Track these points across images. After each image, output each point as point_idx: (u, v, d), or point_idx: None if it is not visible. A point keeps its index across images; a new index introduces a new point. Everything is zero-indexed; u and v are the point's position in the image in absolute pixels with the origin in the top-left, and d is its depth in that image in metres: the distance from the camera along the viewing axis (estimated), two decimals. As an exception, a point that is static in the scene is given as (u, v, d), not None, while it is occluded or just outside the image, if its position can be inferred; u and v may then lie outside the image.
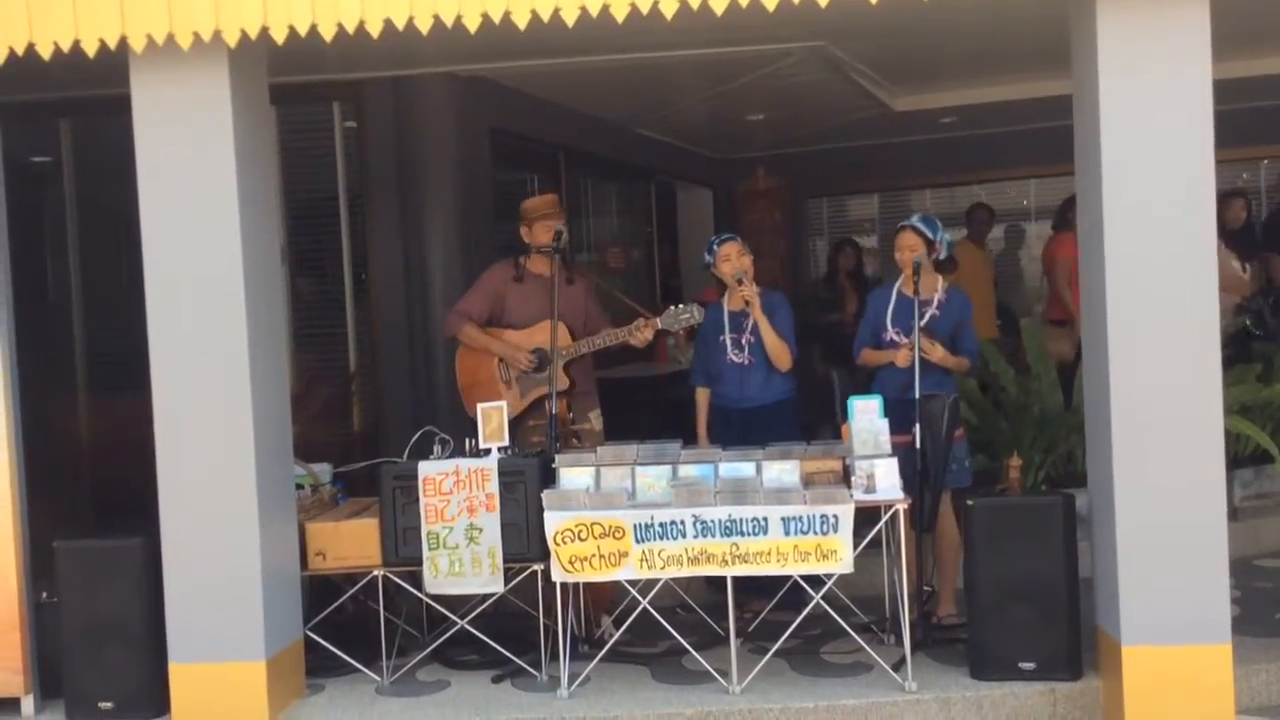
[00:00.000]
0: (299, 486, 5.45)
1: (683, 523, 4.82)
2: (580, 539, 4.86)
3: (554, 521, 4.87)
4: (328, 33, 4.50)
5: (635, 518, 4.85)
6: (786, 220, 11.38)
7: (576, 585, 5.27)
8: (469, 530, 5.05)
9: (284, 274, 6.41)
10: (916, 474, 5.20)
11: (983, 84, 9.01)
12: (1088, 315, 4.84)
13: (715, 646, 5.26)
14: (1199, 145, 4.48)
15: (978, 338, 5.84)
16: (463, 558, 5.05)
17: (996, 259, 11.15)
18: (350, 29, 4.49)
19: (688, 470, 5.06)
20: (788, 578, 5.06)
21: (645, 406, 8.42)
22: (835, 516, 4.76)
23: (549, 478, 5.10)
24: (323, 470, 5.81)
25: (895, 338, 5.52)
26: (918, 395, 5.26)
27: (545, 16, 4.44)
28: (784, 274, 10.71)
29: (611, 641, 5.24)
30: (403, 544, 5.10)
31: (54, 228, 7.61)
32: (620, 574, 4.88)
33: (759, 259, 5.90)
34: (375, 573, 5.15)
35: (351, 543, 5.18)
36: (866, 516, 4.95)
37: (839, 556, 4.76)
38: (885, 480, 4.90)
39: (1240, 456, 6.83)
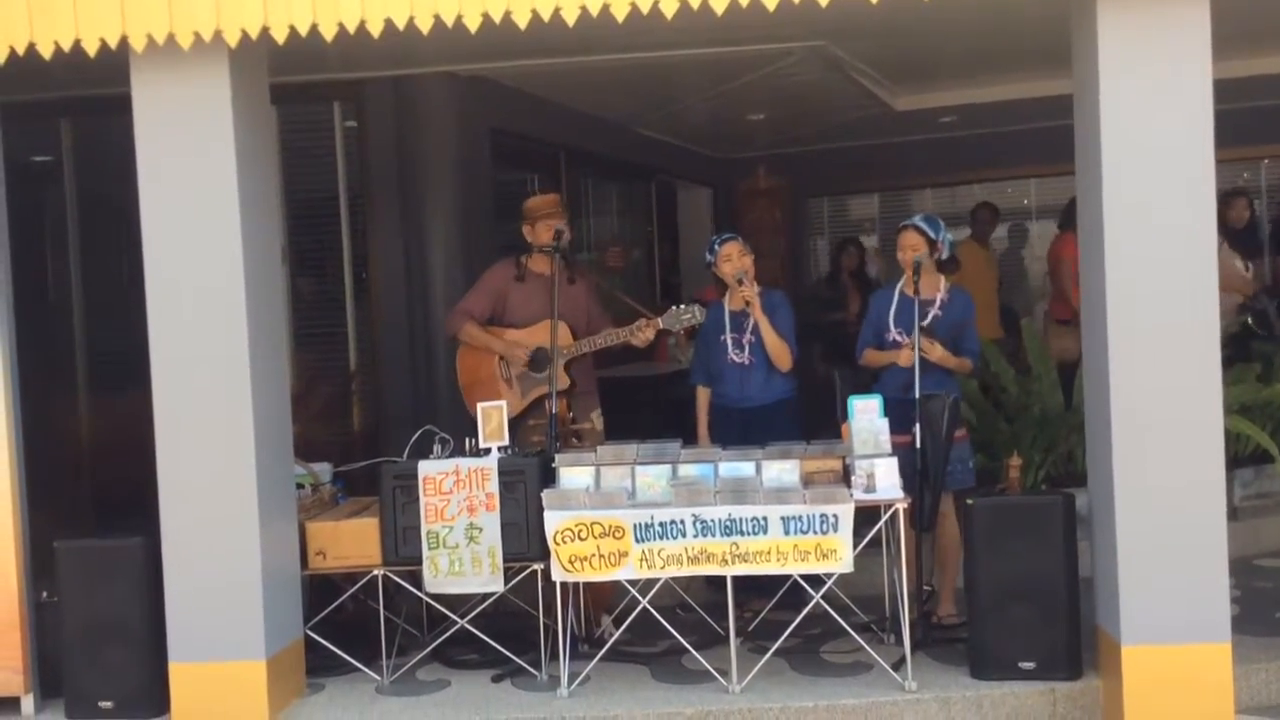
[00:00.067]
0: (299, 486, 5.46)
1: (683, 522, 4.82)
2: (580, 538, 4.86)
3: (554, 521, 4.88)
4: (328, 32, 4.51)
5: (635, 517, 4.85)
6: (787, 220, 11.38)
7: (576, 585, 5.27)
8: (469, 530, 5.05)
9: (284, 274, 6.42)
10: (916, 474, 5.20)
11: (983, 83, 9.01)
12: (1088, 315, 4.84)
13: (715, 646, 5.26)
14: (1199, 145, 4.48)
15: (982, 338, 5.83)
16: (463, 557, 5.05)
17: (1000, 259, 11.12)
18: (351, 29, 4.49)
19: (687, 470, 5.06)
20: (787, 577, 5.06)
21: (645, 406, 8.42)
22: (835, 516, 4.76)
23: (549, 477, 5.11)
24: (323, 470, 5.81)
25: (898, 338, 5.52)
26: (918, 395, 5.26)
27: (546, 16, 4.44)
28: (784, 273, 10.71)
29: (611, 641, 5.24)
30: (403, 543, 5.10)
31: (54, 227, 7.61)
32: (620, 574, 4.88)
33: (759, 258, 5.90)
34: (375, 572, 5.15)
35: (351, 542, 5.18)
36: (866, 516, 4.95)
37: (839, 556, 4.77)
38: (885, 480, 4.90)
39: (1240, 456, 6.83)
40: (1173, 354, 4.50)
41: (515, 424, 5.62)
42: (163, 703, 4.93)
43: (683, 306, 5.69)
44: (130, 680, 4.96)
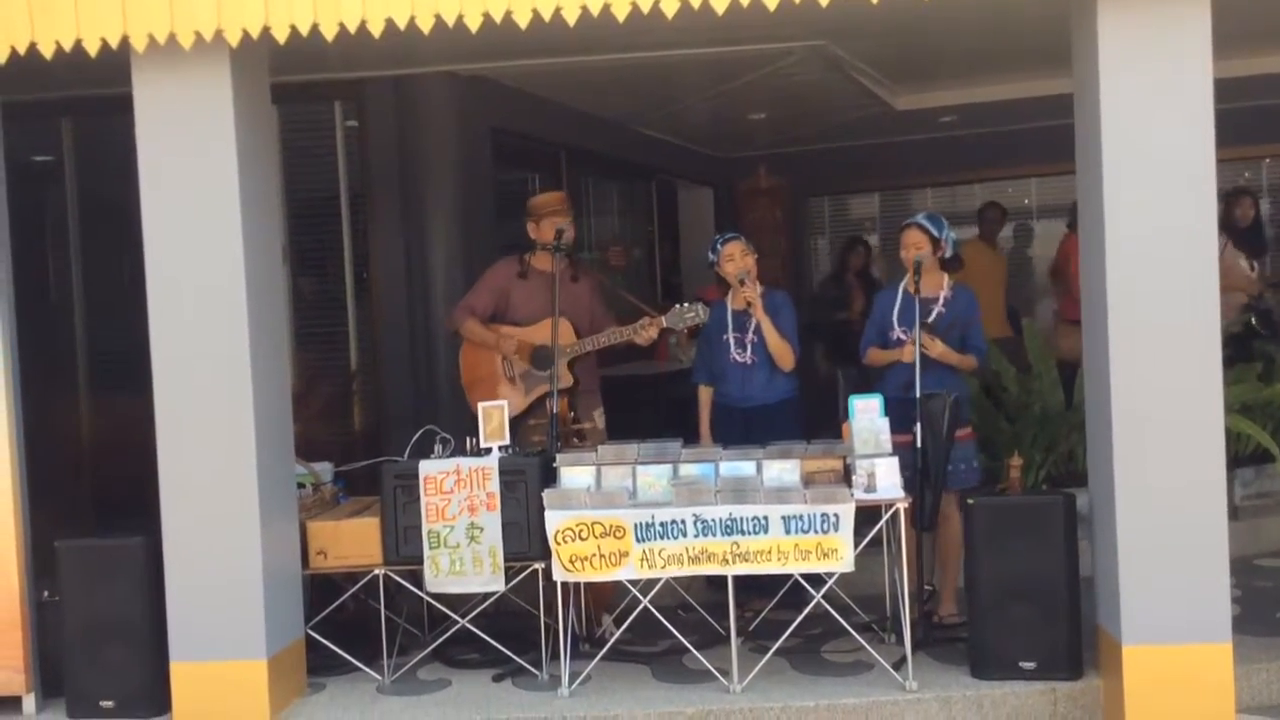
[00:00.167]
0: (300, 485, 5.46)
1: (683, 522, 4.82)
2: (581, 538, 4.86)
3: (555, 520, 4.88)
4: (329, 32, 4.51)
5: (636, 517, 4.85)
6: (787, 219, 11.36)
7: (577, 584, 5.28)
8: (470, 529, 5.05)
9: (285, 273, 6.42)
10: (917, 473, 5.20)
11: (984, 83, 9.01)
12: (1088, 314, 4.84)
13: (716, 645, 5.26)
14: (1200, 144, 4.48)
15: (990, 337, 5.82)
16: (463, 557, 5.05)
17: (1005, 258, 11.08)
18: (352, 28, 4.49)
19: (688, 469, 5.06)
20: (788, 577, 5.06)
21: (646, 405, 8.43)
22: (836, 515, 4.76)
23: (550, 477, 5.11)
24: (324, 469, 5.81)
25: (902, 336, 5.51)
26: (918, 394, 5.27)
27: (547, 16, 4.44)
28: (785, 273, 10.71)
29: (612, 640, 5.24)
30: (404, 543, 5.10)
31: (55, 227, 7.61)
32: (621, 573, 4.88)
33: (760, 258, 5.90)
34: (376, 571, 5.15)
35: (352, 542, 5.18)
36: (867, 515, 4.95)
37: (839, 555, 4.77)
38: (886, 479, 4.90)
39: (1241, 456, 6.83)
40: (1173, 353, 4.50)
41: (516, 423, 5.62)
42: (164, 702, 4.93)
43: (686, 305, 5.69)
44: (131, 679, 4.97)
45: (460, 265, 7.10)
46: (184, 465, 4.87)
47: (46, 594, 5.11)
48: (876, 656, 4.98)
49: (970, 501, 5.01)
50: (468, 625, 5.24)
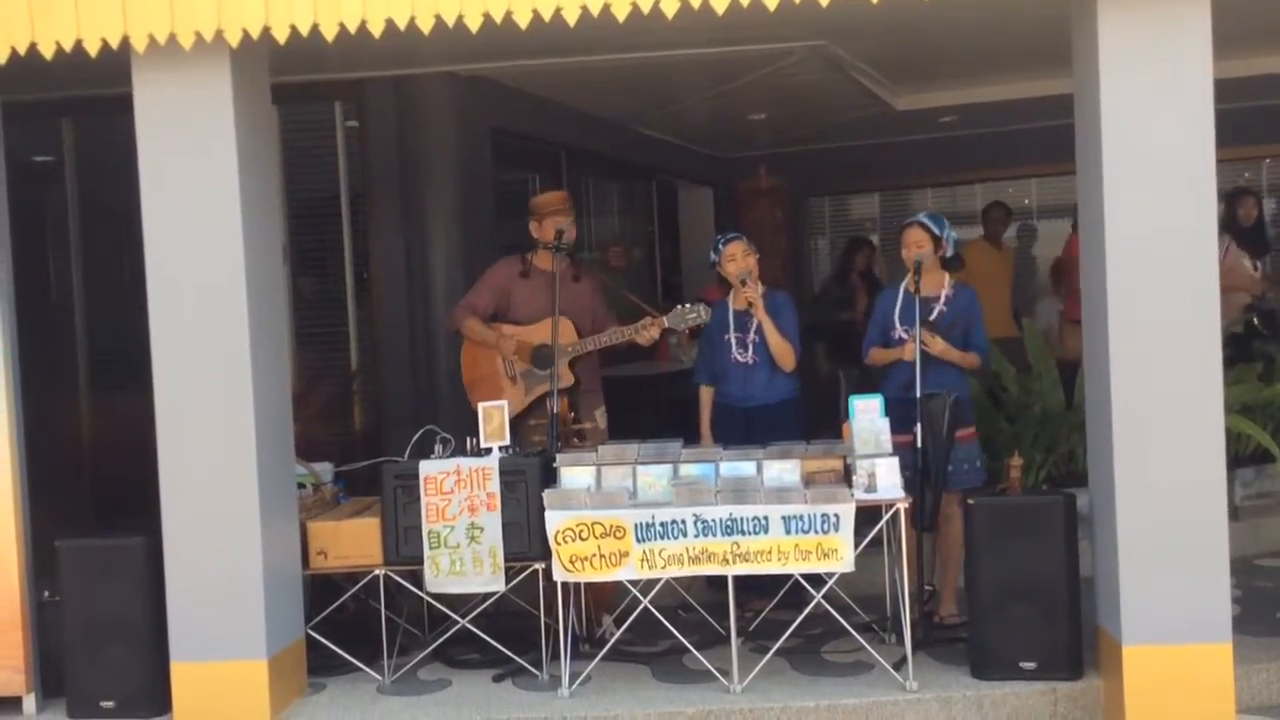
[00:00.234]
0: (300, 485, 5.46)
1: (684, 522, 4.82)
2: (581, 538, 4.86)
3: (555, 521, 4.88)
4: (329, 32, 4.51)
5: (636, 517, 4.85)
6: (788, 219, 11.37)
7: (578, 584, 5.28)
8: (470, 529, 5.05)
9: (285, 273, 6.42)
10: (917, 473, 5.20)
11: (984, 83, 9.01)
12: (1088, 315, 4.84)
13: (716, 645, 5.26)
14: (1200, 144, 4.48)
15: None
16: (464, 557, 5.05)
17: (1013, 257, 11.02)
18: (352, 29, 4.49)
19: (688, 469, 5.06)
20: (788, 577, 5.06)
21: (646, 405, 8.42)
22: (836, 515, 4.76)
23: (550, 477, 5.11)
24: (324, 469, 5.81)
25: (903, 335, 5.51)
26: (919, 394, 5.27)
27: (547, 16, 4.44)
28: (785, 273, 10.71)
29: (612, 641, 5.24)
30: (404, 543, 5.10)
31: (56, 227, 7.61)
32: (621, 574, 4.88)
33: (760, 258, 5.90)
34: (376, 572, 5.15)
35: (353, 542, 5.18)
36: (867, 516, 4.95)
37: (840, 555, 4.77)
38: (886, 479, 4.90)
39: (1241, 456, 6.83)
40: (1174, 353, 4.50)
41: (517, 423, 5.62)
42: (164, 702, 4.93)
43: (688, 306, 5.69)
44: (132, 679, 4.97)
45: (460, 265, 7.10)
46: (184, 465, 4.87)
47: (47, 594, 5.11)
48: (877, 657, 4.98)
49: (970, 501, 5.01)
50: (468, 625, 5.24)
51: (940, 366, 5.40)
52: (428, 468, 5.09)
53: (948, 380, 5.39)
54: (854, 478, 4.93)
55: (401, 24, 4.48)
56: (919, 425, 5.24)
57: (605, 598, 5.58)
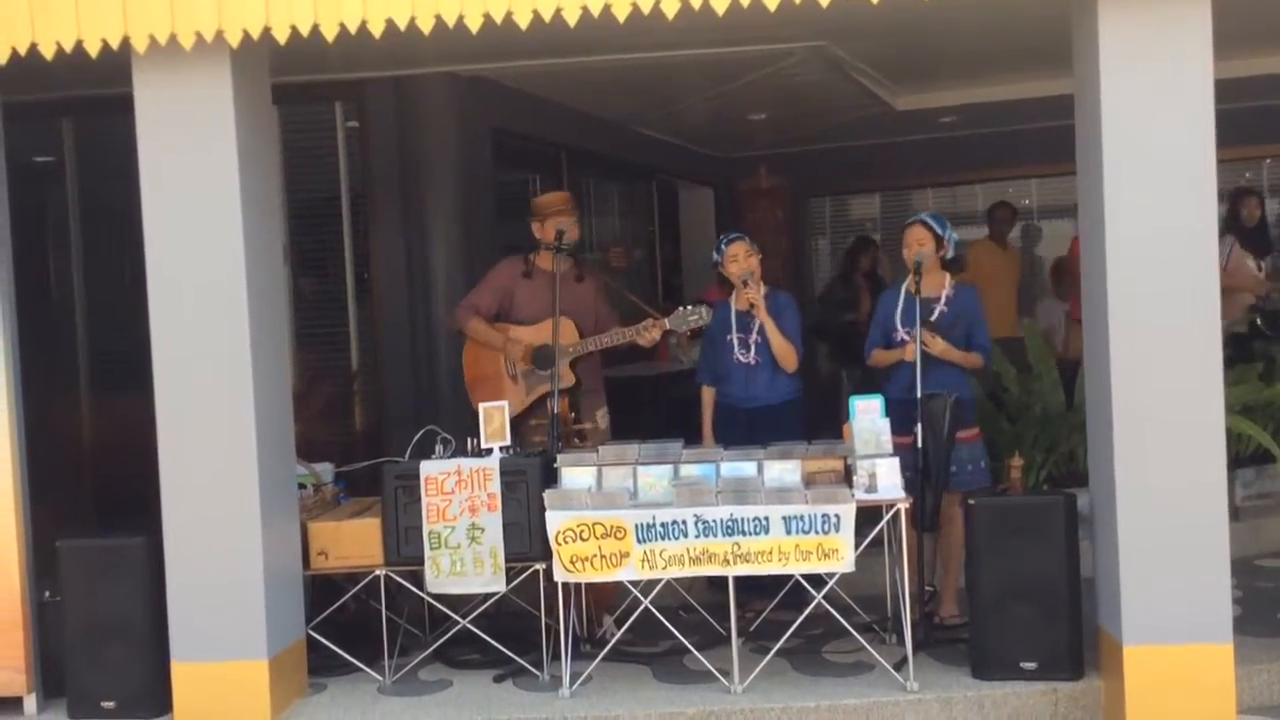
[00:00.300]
0: (301, 486, 5.46)
1: (684, 522, 4.82)
2: (582, 539, 4.86)
3: (555, 521, 4.88)
4: (330, 33, 4.51)
5: (637, 517, 4.85)
6: (788, 219, 11.37)
7: (578, 585, 5.27)
8: (471, 530, 5.05)
9: (286, 273, 6.42)
10: (917, 473, 5.20)
11: (984, 83, 9.01)
12: (1089, 315, 4.84)
13: (717, 646, 5.26)
14: (1201, 144, 4.48)
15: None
16: (464, 557, 5.05)
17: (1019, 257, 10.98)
18: (352, 29, 4.49)
19: (689, 470, 5.06)
20: (789, 577, 5.06)
21: (647, 405, 8.43)
22: (837, 516, 4.76)
23: (551, 477, 5.11)
24: (325, 470, 5.81)
25: (905, 336, 5.51)
26: (919, 394, 5.27)
27: (547, 16, 4.44)
28: (785, 273, 10.71)
29: (613, 641, 5.24)
30: (404, 543, 5.10)
31: (56, 227, 7.62)
32: (622, 574, 4.88)
33: (762, 258, 5.90)
34: (377, 572, 5.15)
35: (353, 542, 5.19)
36: (868, 516, 4.95)
37: (840, 556, 4.77)
38: (887, 479, 4.90)
39: (1242, 456, 6.83)
40: (1174, 354, 4.50)
41: (518, 423, 5.62)
42: (165, 702, 4.93)
43: (690, 308, 5.68)
44: (132, 680, 4.97)
45: (461, 265, 7.11)
46: (185, 465, 4.87)
47: (48, 594, 5.11)
48: (877, 657, 4.98)
49: (970, 501, 5.01)
50: (469, 626, 5.24)
51: (942, 367, 5.39)
52: (428, 468, 5.09)
53: (950, 381, 5.38)
54: (854, 478, 4.93)
55: (402, 24, 4.48)
56: (919, 425, 5.24)
57: (606, 598, 5.58)
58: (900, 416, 5.18)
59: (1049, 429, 6.75)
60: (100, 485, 7.35)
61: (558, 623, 5.03)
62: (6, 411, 5.00)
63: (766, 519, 4.78)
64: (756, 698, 4.81)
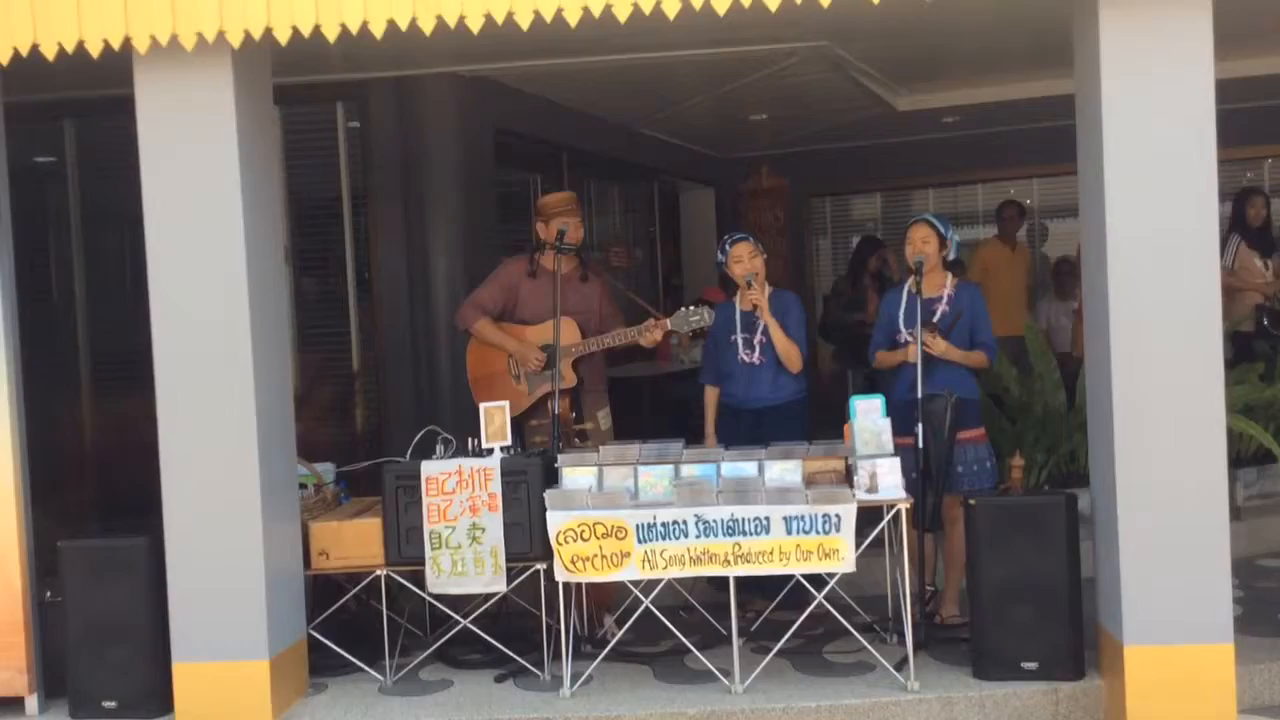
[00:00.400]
0: (302, 486, 5.46)
1: (685, 522, 4.83)
2: (582, 539, 4.86)
3: (556, 521, 4.88)
4: (331, 33, 4.51)
5: (637, 518, 4.85)
6: (789, 219, 11.38)
7: (579, 585, 5.28)
8: (472, 530, 5.05)
9: (287, 274, 6.43)
10: (918, 473, 5.21)
11: (985, 84, 9.01)
12: (1090, 315, 4.84)
13: (718, 646, 5.26)
14: (1202, 144, 4.48)
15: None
16: (465, 557, 5.06)
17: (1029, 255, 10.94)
18: (354, 29, 4.49)
19: (690, 470, 5.06)
20: (790, 577, 5.06)
21: (648, 406, 8.43)
22: (837, 516, 4.76)
23: (552, 477, 5.11)
24: (326, 470, 5.82)
25: (909, 337, 5.51)
26: (920, 394, 5.27)
27: (549, 17, 4.44)
28: (786, 273, 10.71)
29: (614, 641, 5.24)
30: (405, 543, 5.11)
31: (58, 228, 7.62)
32: (622, 574, 4.88)
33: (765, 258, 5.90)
34: (378, 572, 5.16)
35: (354, 542, 5.19)
36: (869, 516, 4.95)
37: (841, 556, 4.77)
38: (887, 480, 4.90)
39: (1243, 456, 6.84)
40: (1175, 354, 4.50)
41: (519, 423, 5.62)
42: (166, 702, 4.94)
43: (692, 309, 5.68)
44: (134, 680, 4.97)
45: (462, 266, 7.11)
46: (186, 465, 4.87)
47: (49, 594, 5.11)
48: (878, 657, 4.98)
49: (971, 501, 5.01)
50: (469, 626, 5.24)
51: (946, 367, 5.39)
52: (429, 468, 5.09)
53: (955, 381, 5.39)
54: (855, 478, 4.93)
55: (403, 25, 4.49)
56: (919, 425, 5.24)
57: (607, 598, 5.59)
58: (906, 417, 5.19)
59: (1050, 428, 6.75)
60: (101, 485, 7.36)
61: (558, 623, 5.03)
62: (8, 412, 5.00)
63: (767, 519, 4.78)
64: (757, 698, 4.82)
